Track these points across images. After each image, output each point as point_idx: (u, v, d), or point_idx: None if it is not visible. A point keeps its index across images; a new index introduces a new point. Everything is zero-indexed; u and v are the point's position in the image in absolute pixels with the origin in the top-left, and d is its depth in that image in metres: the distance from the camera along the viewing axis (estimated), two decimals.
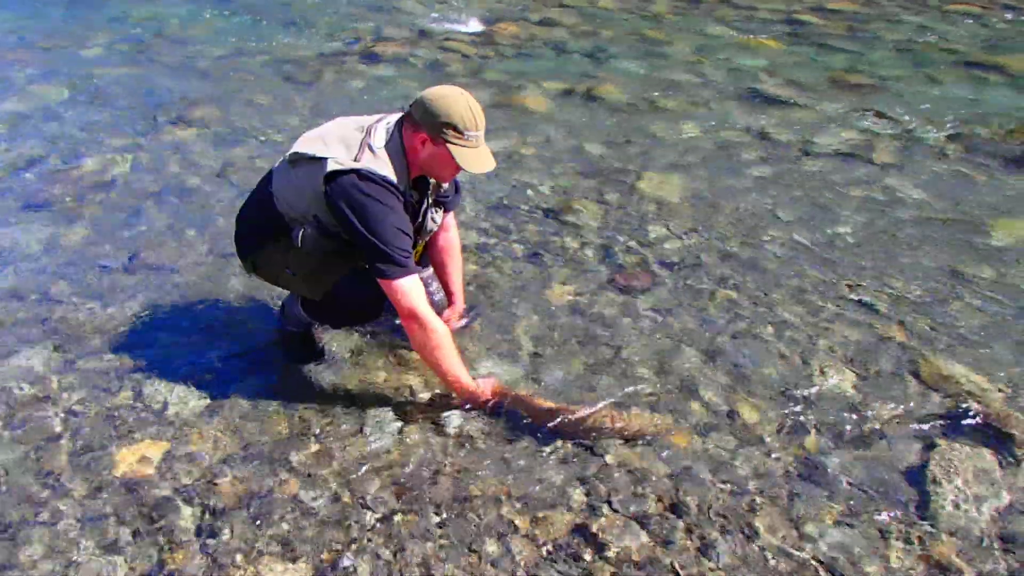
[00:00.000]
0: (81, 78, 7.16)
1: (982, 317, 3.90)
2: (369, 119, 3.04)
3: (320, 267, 3.12)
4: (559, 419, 3.10)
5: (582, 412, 3.13)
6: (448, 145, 2.87)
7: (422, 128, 2.89)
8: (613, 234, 4.64)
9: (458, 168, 2.95)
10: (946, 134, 6.19)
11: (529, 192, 5.16)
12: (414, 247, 3.16)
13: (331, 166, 2.86)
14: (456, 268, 3.61)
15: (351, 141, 2.94)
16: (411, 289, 2.93)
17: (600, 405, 3.21)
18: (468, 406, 3.17)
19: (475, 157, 2.92)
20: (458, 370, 3.07)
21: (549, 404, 3.17)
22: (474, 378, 3.15)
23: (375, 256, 2.89)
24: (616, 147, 5.94)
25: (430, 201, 3.24)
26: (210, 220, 4.65)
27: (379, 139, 2.95)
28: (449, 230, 3.52)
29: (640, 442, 3.04)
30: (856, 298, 4.05)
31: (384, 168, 2.89)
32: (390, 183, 2.89)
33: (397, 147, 2.95)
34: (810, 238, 4.65)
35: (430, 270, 3.63)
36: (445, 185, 3.28)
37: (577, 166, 5.58)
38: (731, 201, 5.10)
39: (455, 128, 2.85)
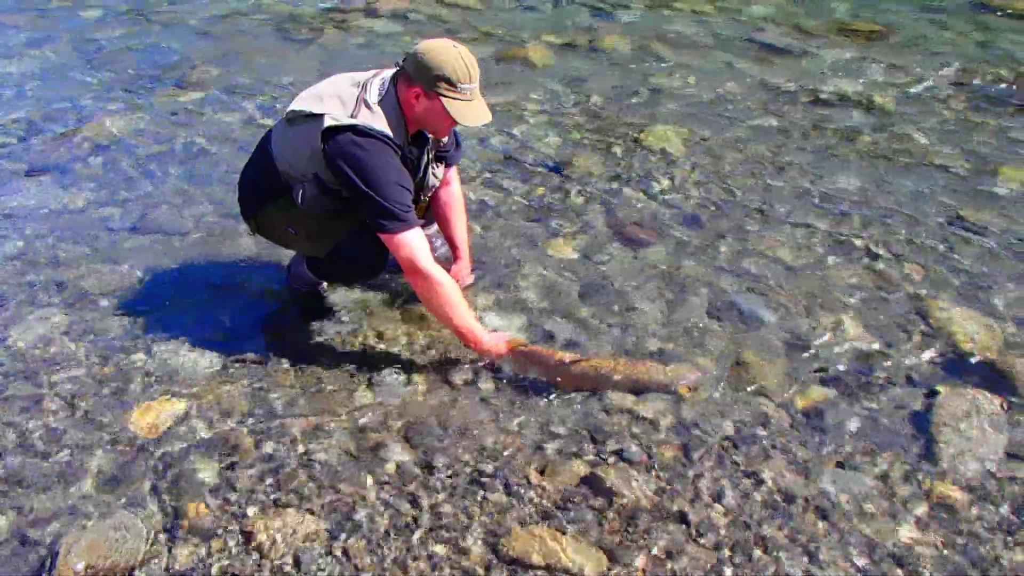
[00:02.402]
0: (81, 41, 7.09)
1: (987, 263, 3.91)
2: (364, 75, 3.02)
3: (321, 225, 3.14)
4: (572, 371, 3.12)
5: (593, 363, 3.16)
6: (442, 98, 2.85)
7: (416, 82, 2.88)
8: (618, 187, 4.63)
9: (454, 121, 2.94)
10: (953, 80, 6.13)
11: (532, 146, 5.14)
12: (416, 203, 3.17)
13: (328, 123, 2.87)
14: (460, 222, 3.59)
15: (347, 97, 2.94)
16: (413, 243, 2.94)
17: (611, 356, 3.24)
18: (482, 360, 3.20)
19: (470, 110, 2.90)
20: (468, 321, 3.09)
21: (562, 355, 3.19)
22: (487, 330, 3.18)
23: (375, 211, 2.90)
24: (619, 99, 5.90)
25: (430, 156, 3.23)
26: (214, 181, 4.65)
27: (374, 95, 2.94)
28: (451, 184, 3.50)
29: (650, 393, 3.07)
30: (861, 246, 4.06)
31: (380, 123, 2.90)
32: (387, 138, 2.90)
33: (393, 102, 2.95)
34: (815, 187, 4.63)
35: (434, 227, 3.64)
36: (445, 140, 3.27)
37: (580, 119, 5.55)
38: (736, 152, 5.07)
39: (448, 81, 2.83)
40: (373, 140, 2.87)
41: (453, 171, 3.51)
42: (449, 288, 3.01)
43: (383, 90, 2.96)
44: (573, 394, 3.07)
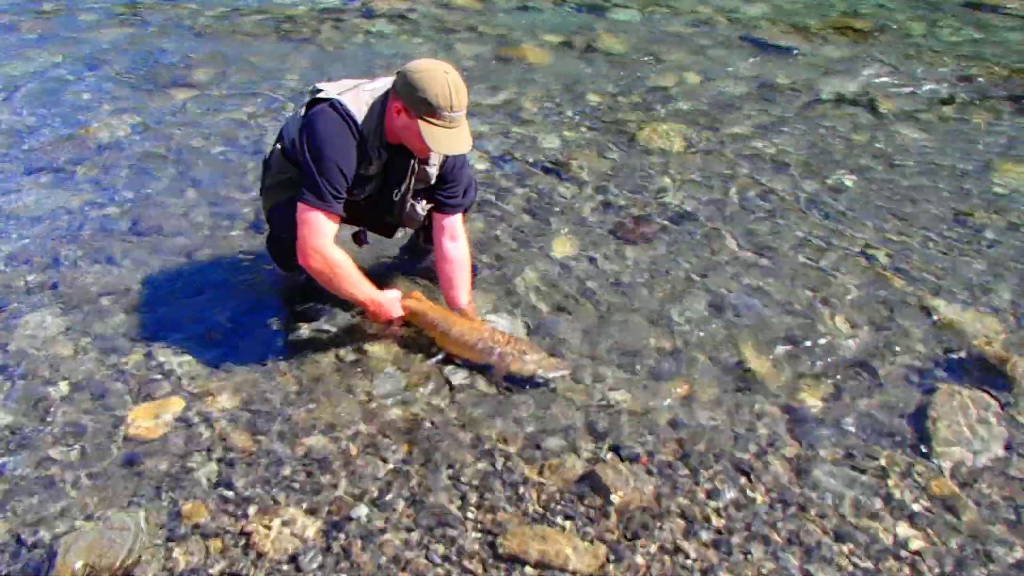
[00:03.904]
0: (79, 42, 7.08)
1: (985, 261, 3.92)
2: (386, 78, 3.07)
3: (273, 187, 3.25)
4: (450, 334, 3.18)
5: (467, 329, 3.17)
6: (419, 121, 2.84)
7: (400, 98, 2.88)
8: (615, 186, 4.64)
9: (427, 147, 2.91)
10: (950, 78, 6.14)
11: (530, 145, 5.14)
12: (383, 222, 3.36)
13: (318, 94, 2.99)
14: (463, 283, 3.35)
15: (352, 83, 3.04)
16: (316, 222, 2.96)
17: (492, 331, 3.24)
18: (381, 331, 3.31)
19: (445, 137, 2.86)
20: (371, 293, 3.13)
21: (445, 316, 3.25)
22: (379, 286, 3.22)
23: (305, 180, 2.96)
24: (617, 99, 5.91)
25: (412, 180, 3.19)
26: (213, 181, 4.65)
27: (374, 87, 3.02)
28: (458, 240, 3.34)
29: (531, 376, 3.09)
30: (860, 246, 4.06)
31: (357, 109, 2.95)
32: (353, 122, 2.94)
33: (380, 104, 2.99)
34: (813, 186, 4.64)
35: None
36: (431, 170, 3.20)
37: (578, 118, 5.55)
38: (734, 151, 5.08)
39: (428, 104, 2.81)
40: (339, 119, 2.93)
41: (459, 225, 3.37)
42: (346, 266, 3.04)
43: (384, 90, 3.00)
44: (572, 393, 3.07)
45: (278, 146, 3.24)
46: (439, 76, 2.83)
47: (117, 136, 5.22)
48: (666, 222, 4.27)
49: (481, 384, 3.12)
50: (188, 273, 3.81)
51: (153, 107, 5.71)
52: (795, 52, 6.78)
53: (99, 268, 3.82)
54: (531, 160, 4.94)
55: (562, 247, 4.04)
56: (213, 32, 7.42)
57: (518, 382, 3.10)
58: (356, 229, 3.45)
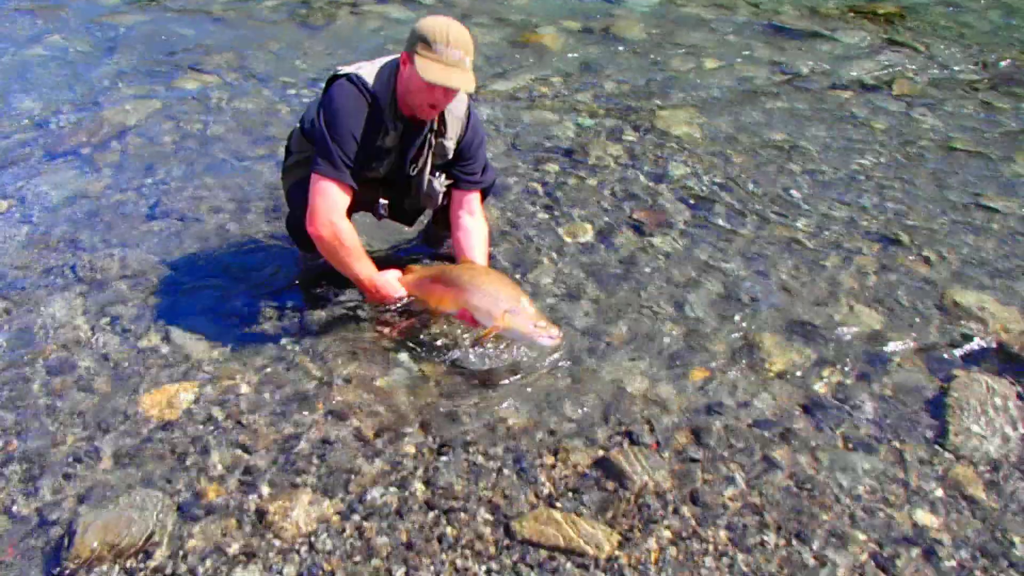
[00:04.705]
0: (97, 27, 7.12)
1: (1005, 248, 3.87)
2: None
3: (292, 167, 3.30)
4: (444, 282, 3.16)
5: (476, 283, 3.10)
6: (415, 56, 2.85)
7: (405, 50, 2.93)
8: (632, 172, 4.61)
9: (426, 89, 2.87)
10: (972, 63, 6.05)
11: (546, 131, 5.12)
12: (402, 206, 3.34)
13: (338, 73, 3.04)
14: (480, 249, 3.35)
15: (372, 61, 3.10)
16: (328, 191, 2.98)
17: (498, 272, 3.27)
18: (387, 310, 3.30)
19: (441, 71, 2.82)
20: (369, 272, 3.14)
21: (444, 269, 3.27)
22: (384, 263, 3.25)
23: (318, 148, 2.98)
24: (634, 84, 5.87)
25: (428, 157, 3.19)
26: (229, 166, 4.67)
27: (391, 59, 3.06)
28: (475, 215, 3.37)
29: (523, 337, 3.03)
30: (878, 232, 4.02)
31: (373, 80, 3.00)
32: (370, 93, 2.98)
33: (392, 69, 3.03)
34: (832, 172, 4.60)
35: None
36: (448, 143, 3.21)
37: (595, 104, 5.52)
38: (752, 136, 5.04)
39: (424, 41, 2.84)
40: (356, 91, 2.97)
41: (477, 202, 3.38)
42: (351, 241, 3.04)
43: (398, 60, 3.04)
44: (586, 378, 3.07)
45: (298, 127, 3.28)
46: (440, 20, 2.91)
47: (135, 121, 5.24)
48: (682, 208, 4.25)
49: (498, 369, 3.11)
50: (205, 257, 3.82)
51: (171, 92, 5.73)
52: (815, 37, 6.70)
53: (117, 252, 3.84)
54: (547, 145, 4.92)
55: (578, 233, 4.03)
56: (230, 18, 7.43)
57: (505, 343, 3.09)
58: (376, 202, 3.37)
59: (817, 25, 6.95)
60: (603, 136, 5.05)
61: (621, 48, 6.59)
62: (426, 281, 3.24)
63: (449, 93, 2.92)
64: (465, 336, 3.25)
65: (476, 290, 3.07)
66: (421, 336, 3.30)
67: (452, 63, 2.83)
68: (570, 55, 6.45)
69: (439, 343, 3.26)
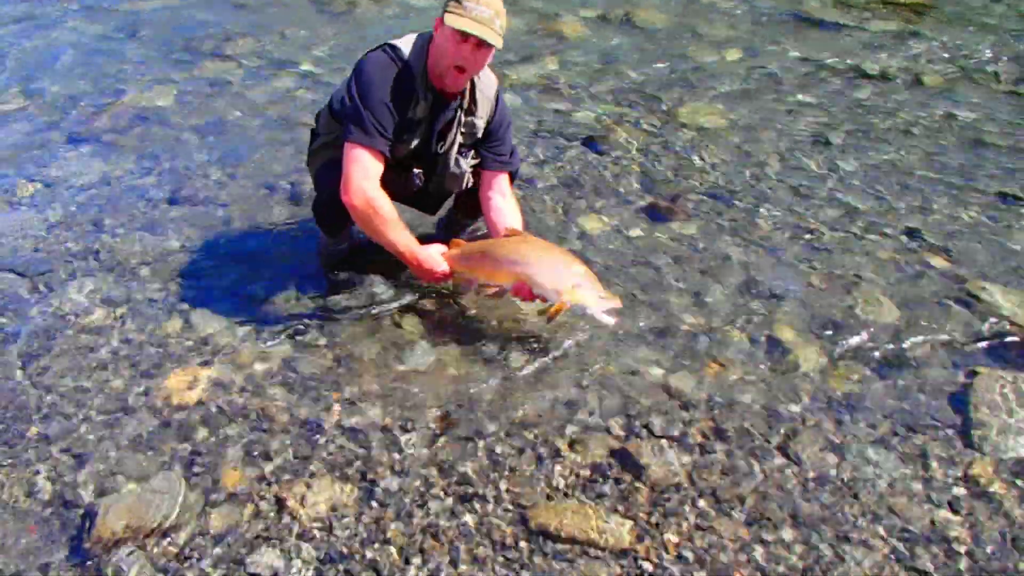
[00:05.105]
0: (119, 13, 7.15)
1: None
2: None
3: (319, 149, 3.28)
4: (498, 256, 3.08)
5: (534, 255, 3.03)
6: (446, 14, 2.87)
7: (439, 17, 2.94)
8: (652, 162, 4.58)
9: (454, 46, 2.87)
10: (1000, 55, 5.96)
11: (566, 120, 5.10)
12: (426, 189, 3.31)
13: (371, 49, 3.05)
14: (515, 225, 3.31)
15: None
16: (362, 159, 2.96)
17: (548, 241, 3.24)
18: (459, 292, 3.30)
19: (463, 20, 2.84)
20: (408, 243, 3.10)
21: (493, 244, 3.18)
22: (422, 241, 3.19)
23: (351, 116, 2.97)
24: (655, 74, 5.82)
25: (457, 134, 3.19)
26: (251, 152, 4.67)
27: (426, 33, 3.05)
28: (507, 197, 3.36)
29: (585, 311, 2.99)
30: (901, 225, 3.98)
31: (403, 44, 3.02)
32: (403, 61, 2.98)
33: (426, 38, 3.03)
34: (855, 164, 4.55)
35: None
36: (479, 122, 3.21)
37: (615, 93, 5.49)
38: (774, 128, 4.99)
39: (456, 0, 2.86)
40: (388, 59, 2.98)
41: (507, 185, 3.37)
42: (387, 209, 3.01)
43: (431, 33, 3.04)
44: (605, 367, 3.06)
45: (326, 107, 3.27)
46: None
47: (156, 106, 5.27)
48: (703, 199, 4.22)
49: (514, 358, 3.11)
50: (226, 243, 3.84)
51: (192, 78, 5.75)
52: (840, 27, 6.63)
53: (138, 237, 3.86)
54: (567, 134, 4.89)
55: (597, 223, 4.01)
56: (251, 4, 7.43)
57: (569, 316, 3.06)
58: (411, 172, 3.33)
59: (842, 16, 6.87)
60: (623, 125, 5.01)
61: (642, 37, 6.54)
62: (475, 255, 3.16)
63: (477, 53, 2.91)
64: (485, 327, 3.24)
65: (537, 263, 2.99)
66: (440, 324, 3.30)
67: (481, 19, 2.85)
68: (591, 44, 6.40)
69: (459, 333, 3.26)
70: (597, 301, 2.93)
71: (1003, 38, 6.23)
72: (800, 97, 5.42)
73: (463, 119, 3.18)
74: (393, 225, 3.04)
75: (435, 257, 3.18)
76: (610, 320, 2.97)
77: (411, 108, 3.03)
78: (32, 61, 6.05)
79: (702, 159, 4.62)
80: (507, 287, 3.07)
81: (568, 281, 2.93)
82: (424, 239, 3.24)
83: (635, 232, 3.94)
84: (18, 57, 6.11)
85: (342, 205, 3.03)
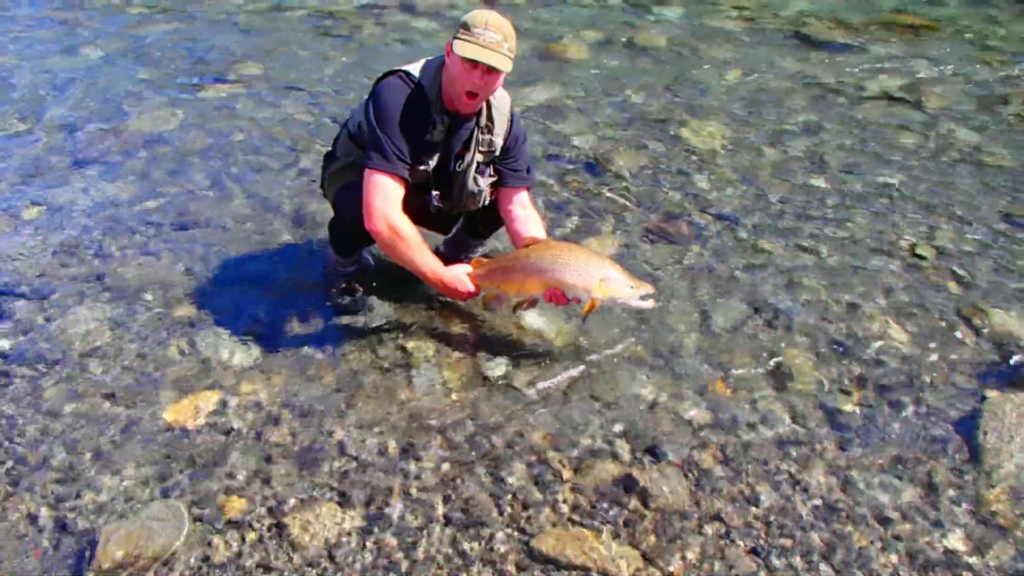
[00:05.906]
0: (125, 36, 7.21)
1: None
2: None
3: (338, 172, 3.30)
4: (527, 265, 3.07)
5: (561, 260, 3.02)
6: (455, 41, 2.91)
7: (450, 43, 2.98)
8: (655, 184, 4.58)
9: (464, 72, 2.90)
10: (1002, 76, 5.97)
11: (570, 142, 5.11)
12: (440, 211, 3.29)
13: (385, 74, 3.09)
14: (544, 236, 3.30)
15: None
16: (382, 185, 2.99)
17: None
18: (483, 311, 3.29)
19: (471, 48, 2.87)
20: (432, 266, 3.11)
21: (519, 254, 3.15)
22: (447, 261, 3.21)
23: (370, 142, 3.01)
24: (658, 95, 5.84)
25: (475, 153, 3.20)
26: (254, 174, 4.69)
27: (438, 57, 3.09)
28: (527, 209, 3.37)
29: (623, 304, 3.01)
30: (906, 246, 3.97)
31: (416, 69, 3.07)
32: (418, 86, 3.03)
33: (438, 62, 3.07)
34: (859, 186, 4.55)
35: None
36: (496, 140, 3.23)
37: (618, 115, 5.50)
38: (777, 149, 5.00)
39: (464, 26, 2.91)
40: (403, 84, 3.02)
41: (527, 198, 3.39)
42: (410, 234, 3.03)
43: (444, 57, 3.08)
44: (609, 392, 3.04)
45: (344, 132, 3.32)
46: (482, 9, 2.97)
47: (161, 130, 5.29)
48: (707, 220, 4.21)
49: (519, 382, 3.10)
50: (229, 266, 3.84)
51: (197, 101, 5.78)
52: (842, 49, 6.65)
53: (142, 260, 3.86)
54: (570, 157, 4.90)
55: (601, 244, 4.00)
56: (256, 28, 7.49)
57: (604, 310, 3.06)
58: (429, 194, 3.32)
59: (844, 36, 6.90)
60: (626, 147, 5.02)
61: (645, 59, 6.58)
62: (500, 271, 3.18)
63: (488, 78, 2.94)
64: (488, 350, 3.23)
65: (564, 267, 3.01)
66: (445, 348, 3.29)
67: (489, 45, 2.88)
68: (594, 66, 6.43)
69: (462, 356, 3.24)
70: (628, 291, 2.98)
71: (1003, 60, 6.24)
72: (802, 119, 5.42)
73: (481, 137, 3.20)
74: (417, 249, 3.07)
75: (461, 277, 3.19)
76: (647, 305, 3.02)
77: (428, 132, 3.06)
78: (38, 84, 6.08)
79: (705, 180, 4.61)
80: (539, 296, 3.10)
81: (596, 278, 2.96)
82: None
83: (638, 254, 3.93)
84: (25, 81, 6.15)
85: (362, 229, 3.06)
